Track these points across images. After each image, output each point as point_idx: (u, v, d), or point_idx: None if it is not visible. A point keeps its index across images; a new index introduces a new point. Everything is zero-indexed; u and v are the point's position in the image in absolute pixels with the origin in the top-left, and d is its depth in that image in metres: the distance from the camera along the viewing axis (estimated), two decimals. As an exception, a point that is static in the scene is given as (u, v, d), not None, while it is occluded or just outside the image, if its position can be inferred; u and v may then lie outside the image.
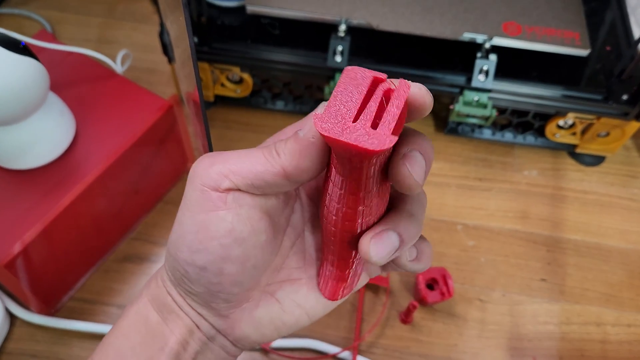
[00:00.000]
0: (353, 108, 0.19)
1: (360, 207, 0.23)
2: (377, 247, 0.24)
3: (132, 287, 0.57)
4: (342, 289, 0.28)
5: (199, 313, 0.27)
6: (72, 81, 0.56)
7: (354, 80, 0.20)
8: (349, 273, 0.28)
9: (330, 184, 0.23)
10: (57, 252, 0.52)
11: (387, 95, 0.20)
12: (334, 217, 0.24)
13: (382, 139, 0.19)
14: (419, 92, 0.21)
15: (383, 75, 0.20)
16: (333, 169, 0.23)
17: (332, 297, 0.29)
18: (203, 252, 0.25)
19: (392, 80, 0.21)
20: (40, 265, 0.51)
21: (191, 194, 0.25)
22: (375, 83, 0.20)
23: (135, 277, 0.58)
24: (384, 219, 0.25)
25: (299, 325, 0.29)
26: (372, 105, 0.20)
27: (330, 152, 0.23)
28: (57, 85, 0.54)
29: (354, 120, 0.19)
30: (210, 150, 0.40)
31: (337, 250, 0.26)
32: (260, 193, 0.25)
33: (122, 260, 0.59)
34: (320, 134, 0.19)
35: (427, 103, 0.21)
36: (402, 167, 0.22)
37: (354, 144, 0.19)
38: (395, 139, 0.19)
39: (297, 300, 0.28)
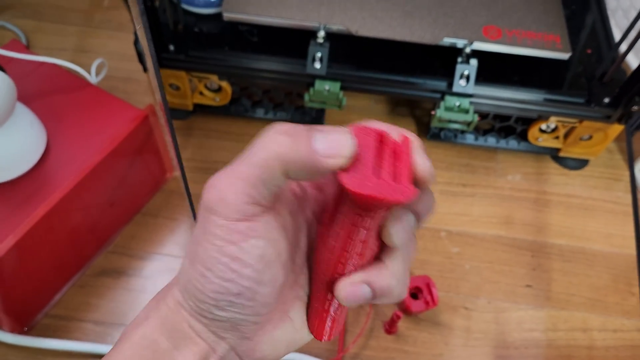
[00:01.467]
0: (370, 165, 0.22)
1: (358, 250, 0.25)
2: (349, 295, 0.25)
3: (109, 301, 0.56)
4: (328, 327, 0.28)
5: (221, 337, 0.26)
6: (44, 92, 0.54)
7: (362, 141, 0.23)
8: (334, 310, 0.28)
9: (336, 229, 0.25)
10: (30, 268, 0.51)
11: (395, 151, 0.23)
12: (334, 259, 0.25)
13: (407, 192, 0.22)
14: (424, 166, 0.23)
15: (384, 131, 0.23)
16: (341, 216, 0.24)
17: (319, 337, 0.29)
18: (237, 280, 0.24)
19: (393, 132, 0.23)
20: (12, 282, 0.49)
21: (214, 229, 0.24)
22: (381, 138, 0.23)
23: (112, 292, 0.56)
24: (366, 269, 0.26)
25: (304, 342, 0.29)
26: (387, 163, 0.22)
27: (341, 202, 0.24)
28: (28, 97, 0.53)
29: (376, 176, 0.22)
30: (179, 159, 0.39)
31: (326, 289, 0.27)
32: (274, 191, 0.24)
33: (98, 274, 0.57)
34: (353, 191, 0.22)
35: (430, 178, 0.23)
36: (385, 229, 0.24)
37: (387, 197, 0.21)
38: (417, 191, 0.22)
39: (305, 318, 0.29)
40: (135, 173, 0.58)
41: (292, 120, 0.68)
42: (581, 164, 0.67)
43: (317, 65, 0.59)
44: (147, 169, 0.60)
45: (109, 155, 0.52)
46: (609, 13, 0.67)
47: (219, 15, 0.62)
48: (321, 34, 0.59)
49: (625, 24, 0.66)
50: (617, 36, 0.65)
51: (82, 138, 0.52)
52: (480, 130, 0.67)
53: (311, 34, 0.59)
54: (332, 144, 0.22)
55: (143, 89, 0.70)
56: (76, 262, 0.57)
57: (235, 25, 0.63)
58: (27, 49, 0.61)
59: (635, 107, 0.57)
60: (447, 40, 0.58)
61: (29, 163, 0.49)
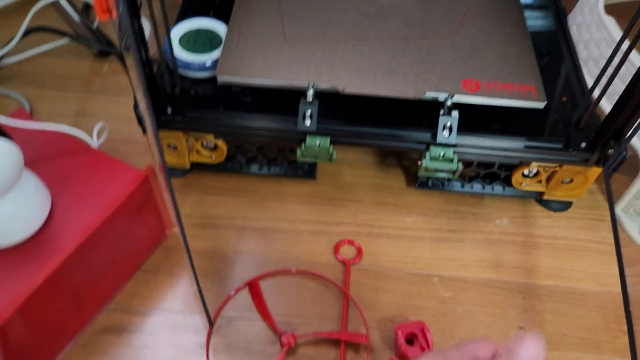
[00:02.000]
0: None
1: None
2: None
3: (111, 358, 0.57)
4: None
5: None
6: (48, 157, 0.57)
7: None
8: None
9: None
10: (34, 329, 0.52)
11: None
12: None
13: None
14: None
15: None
16: None
17: None
18: None
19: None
20: (16, 343, 0.50)
21: None
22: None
23: (114, 349, 0.57)
24: None
25: None
26: None
27: None
28: (33, 162, 0.55)
29: None
30: (179, 218, 0.41)
31: None
32: None
33: (100, 332, 0.58)
34: None
35: None
36: None
37: None
38: None
39: None
40: (136, 231, 0.60)
41: (286, 174, 0.71)
42: (565, 206, 0.70)
43: (308, 122, 0.62)
44: (148, 227, 0.62)
45: (111, 215, 0.54)
46: (581, 62, 0.71)
47: (213, 79, 0.65)
48: (310, 92, 0.62)
49: (597, 72, 0.70)
50: (589, 83, 0.68)
51: (85, 200, 0.54)
52: (466, 177, 0.70)
53: (301, 92, 0.63)
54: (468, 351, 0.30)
55: (142, 149, 0.73)
56: (78, 321, 0.58)
57: (229, 87, 0.66)
58: (32, 116, 0.65)
59: (610, 150, 0.60)
60: (430, 95, 0.62)
61: (35, 227, 0.51)
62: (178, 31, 0.70)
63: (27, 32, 0.85)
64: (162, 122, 0.64)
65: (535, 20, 0.78)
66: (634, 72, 0.55)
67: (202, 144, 0.68)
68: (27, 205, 0.50)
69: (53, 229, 0.52)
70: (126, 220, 0.58)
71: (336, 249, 0.65)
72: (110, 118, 0.76)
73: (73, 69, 0.85)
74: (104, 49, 0.84)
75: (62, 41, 0.87)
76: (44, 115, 0.78)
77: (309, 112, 0.62)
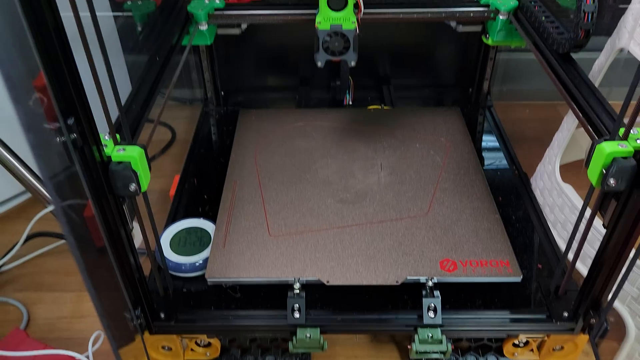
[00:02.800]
0: None
1: None
2: None
3: None
4: None
5: None
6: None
7: None
8: None
9: None
10: None
11: None
12: None
13: None
14: None
15: None
16: None
17: None
18: None
19: None
20: None
21: None
22: None
23: None
24: None
25: None
26: None
27: None
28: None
29: None
30: None
31: None
32: None
33: None
34: None
35: None
36: None
37: None
38: None
39: None
40: None
41: (281, 363, 0.72)
42: (562, 371, 0.70)
43: (297, 314, 0.64)
44: None
45: None
46: (550, 225, 0.75)
47: (204, 276, 0.68)
48: (297, 286, 0.65)
49: (566, 235, 0.73)
50: (561, 246, 0.72)
51: None
52: (459, 350, 0.70)
53: (288, 286, 0.65)
54: None
55: (139, 351, 0.74)
56: None
57: (219, 284, 0.69)
58: (28, 336, 0.66)
59: (592, 320, 0.61)
60: (410, 279, 0.65)
61: None
62: (169, 233, 0.74)
63: (28, 238, 0.89)
64: (156, 327, 0.66)
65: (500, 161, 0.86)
66: (600, 237, 0.59)
67: (195, 342, 0.69)
68: None
69: None
70: None
71: None
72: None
73: (71, 267, 0.88)
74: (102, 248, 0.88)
75: (61, 242, 0.91)
76: (42, 320, 0.80)
77: (297, 306, 0.64)
